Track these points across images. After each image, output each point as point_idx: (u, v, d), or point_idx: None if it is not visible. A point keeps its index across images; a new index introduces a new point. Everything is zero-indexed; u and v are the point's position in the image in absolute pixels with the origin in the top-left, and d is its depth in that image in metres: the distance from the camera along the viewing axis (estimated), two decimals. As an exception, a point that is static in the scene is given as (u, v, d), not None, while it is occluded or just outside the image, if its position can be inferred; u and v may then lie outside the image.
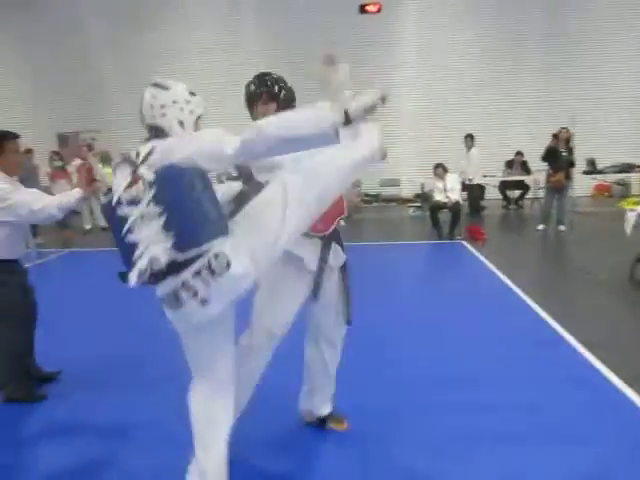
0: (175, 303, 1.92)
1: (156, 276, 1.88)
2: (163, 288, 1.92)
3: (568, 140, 8.87)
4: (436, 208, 8.89)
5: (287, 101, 2.52)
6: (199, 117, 2.14)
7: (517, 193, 11.88)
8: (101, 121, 13.67)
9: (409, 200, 12.81)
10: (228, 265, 1.85)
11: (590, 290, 5.49)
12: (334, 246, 2.57)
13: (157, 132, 2.07)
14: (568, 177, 8.90)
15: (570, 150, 8.89)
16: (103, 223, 9.41)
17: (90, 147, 10.97)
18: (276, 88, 2.52)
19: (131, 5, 13.53)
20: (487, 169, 11.32)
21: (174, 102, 2.08)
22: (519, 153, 11.59)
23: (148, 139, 2.07)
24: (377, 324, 4.38)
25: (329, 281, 2.61)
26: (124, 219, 1.91)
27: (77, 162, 10.29)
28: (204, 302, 1.89)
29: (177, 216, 1.85)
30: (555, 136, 9.25)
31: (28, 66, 14.07)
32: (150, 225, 1.86)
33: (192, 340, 2.13)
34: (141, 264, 1.86)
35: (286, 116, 1.94)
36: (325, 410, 2.92)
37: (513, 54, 12.97)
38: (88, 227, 10.75)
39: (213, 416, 2.15)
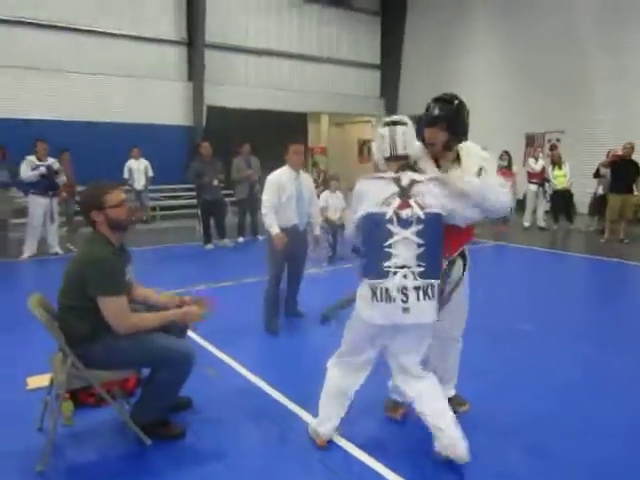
0: (396, 297, 2.51)
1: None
2: (394, 282, 2.49)
3: None
4: None
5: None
6: None
7: None
8: (567, 121, 13.65)
9: None
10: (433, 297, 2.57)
11: None
12: (457, 263, 2.98)
13: (407, 161, 2.69)
14: None
15: None
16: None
17: (553, 147, 11.63)
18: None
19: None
20: None
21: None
22: None
23: (401, 168, 2.65)
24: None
25: (455, 291, 3.00)
26: (390, 233, 2.50)
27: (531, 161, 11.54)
28: (406, 310, 2.53)
29: (431, 253, 2.52)
30: None
31: (508, 68, 15.10)
32: (409, 249, 2.50)
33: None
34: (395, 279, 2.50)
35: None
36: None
37: None
38: (527, 224, 11.37)
39: None
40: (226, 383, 3.78)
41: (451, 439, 2.59)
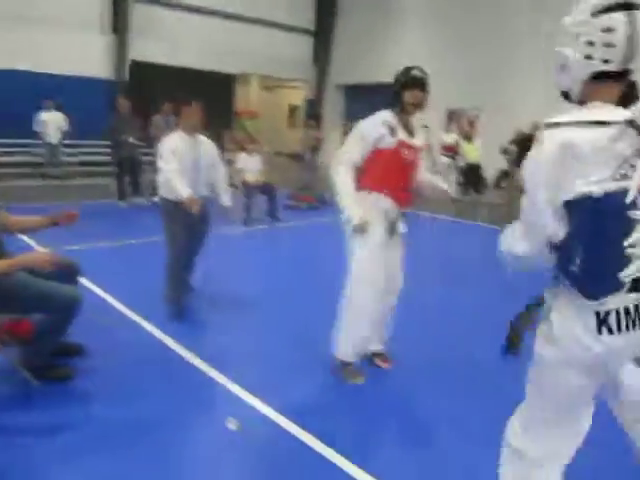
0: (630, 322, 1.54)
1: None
2: (622, 300, 1.52)
3: None
4: None
5: None
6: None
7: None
8: (487, 100, 14.22)
9: None
10: None
11: None
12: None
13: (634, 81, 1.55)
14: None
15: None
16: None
17: (471, 123, 12.11)
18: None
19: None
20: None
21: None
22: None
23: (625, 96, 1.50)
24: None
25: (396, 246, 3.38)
26: (630, 224, 1.46)
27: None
28: None
29: None
30: None
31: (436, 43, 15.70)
32: None
33: None
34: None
35: None
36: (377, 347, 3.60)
37: None
38: None
39: None
40: (124, 333, 3.95)
41: None
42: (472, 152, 11.28)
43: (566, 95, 1.60)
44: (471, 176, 11.35)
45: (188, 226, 4.32)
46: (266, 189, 8.53)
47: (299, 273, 5.76)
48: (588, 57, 1.48)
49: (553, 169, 1.47)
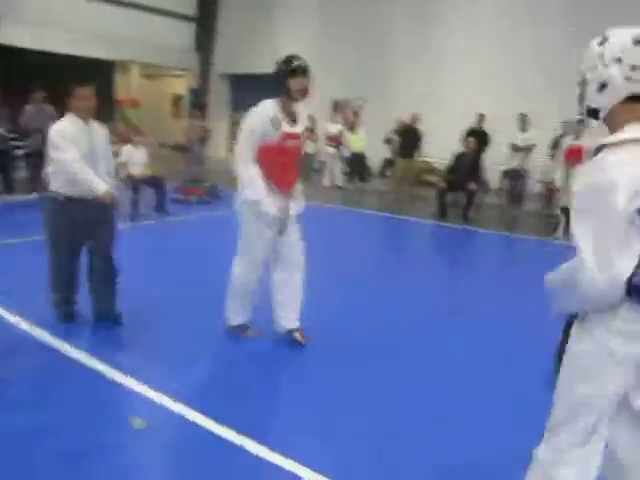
0: None
1: None
2: None
3: None
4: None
5: None
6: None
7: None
8: (370, 90, 14.48)
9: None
10: None
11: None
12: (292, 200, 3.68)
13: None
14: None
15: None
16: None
17: (355, 113, 12.16)
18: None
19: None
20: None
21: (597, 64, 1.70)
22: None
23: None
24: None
25: (291, 224, 3.69)
26: None
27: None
28: None
29: None
30: None
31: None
32: None
33: None
34: None
35: None
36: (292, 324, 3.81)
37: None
38: (326, 184, 12.67)
39: None
40: (6, 339, 3.76)
41: None
42: (356, 142, 11.72)
43: (592, 113, 1.75)
44: (356, 165, 11.79)
45: (83, 225, 3.89)
46: (153, 182, 8.31)
47: (190, 267, 5.72)
48: (629, 79, 1.63)
49: (628, 175, 1.54)
